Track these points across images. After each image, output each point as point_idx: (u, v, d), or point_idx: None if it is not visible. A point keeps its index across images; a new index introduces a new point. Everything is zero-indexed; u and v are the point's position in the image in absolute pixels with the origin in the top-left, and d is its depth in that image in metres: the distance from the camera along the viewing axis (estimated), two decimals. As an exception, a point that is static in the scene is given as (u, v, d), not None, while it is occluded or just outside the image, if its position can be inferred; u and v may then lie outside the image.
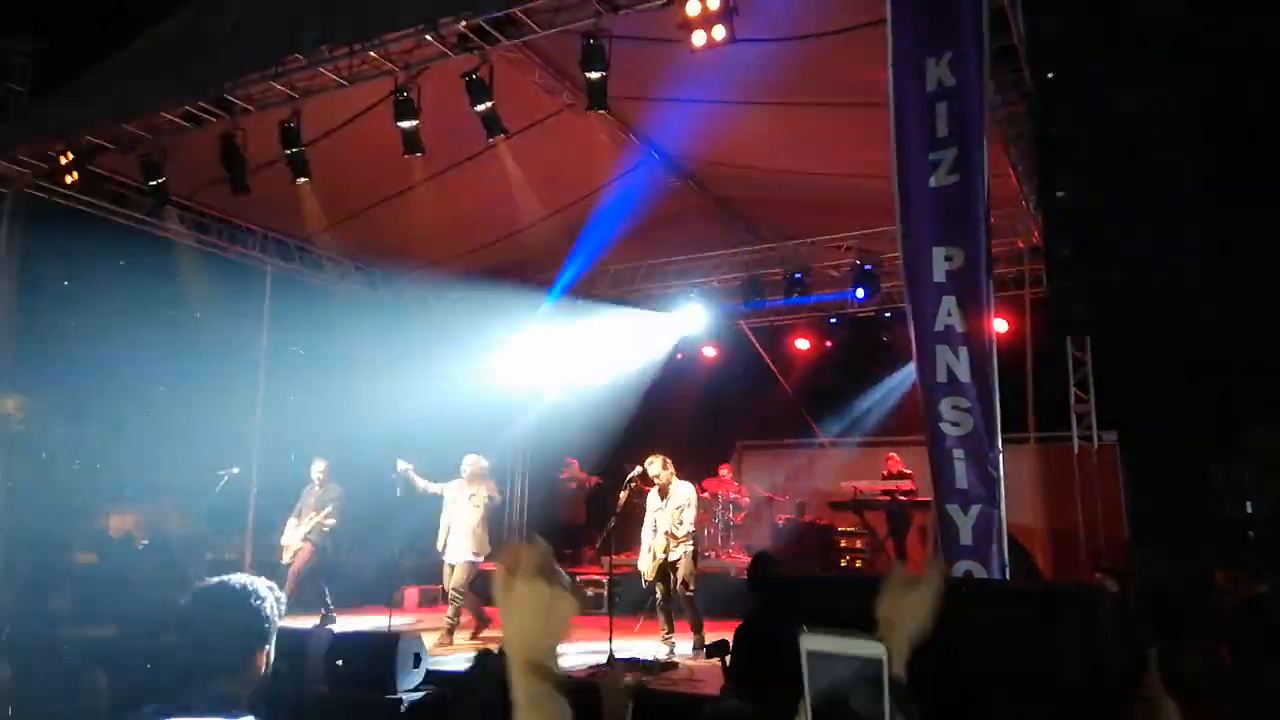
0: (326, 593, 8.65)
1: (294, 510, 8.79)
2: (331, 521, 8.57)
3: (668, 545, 7.64)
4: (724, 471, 12.07)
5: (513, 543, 1.14)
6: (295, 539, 8.50)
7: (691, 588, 7.65)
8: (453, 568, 8.29)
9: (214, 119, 8.00)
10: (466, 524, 8.31)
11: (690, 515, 7.74)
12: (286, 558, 8.50)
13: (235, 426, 11.16)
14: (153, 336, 12.98)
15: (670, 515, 7.67)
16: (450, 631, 8.11)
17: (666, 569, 7.70)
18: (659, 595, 7.80)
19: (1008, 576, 4.96)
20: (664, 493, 7.76)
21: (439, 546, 8.44)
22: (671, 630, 7.66)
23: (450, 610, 8.19)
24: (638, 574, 10.31)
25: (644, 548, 7.87)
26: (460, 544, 8.28)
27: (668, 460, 7.85)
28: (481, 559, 8.34)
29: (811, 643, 1.09)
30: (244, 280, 11.01)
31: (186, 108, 7.98)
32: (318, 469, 8.77)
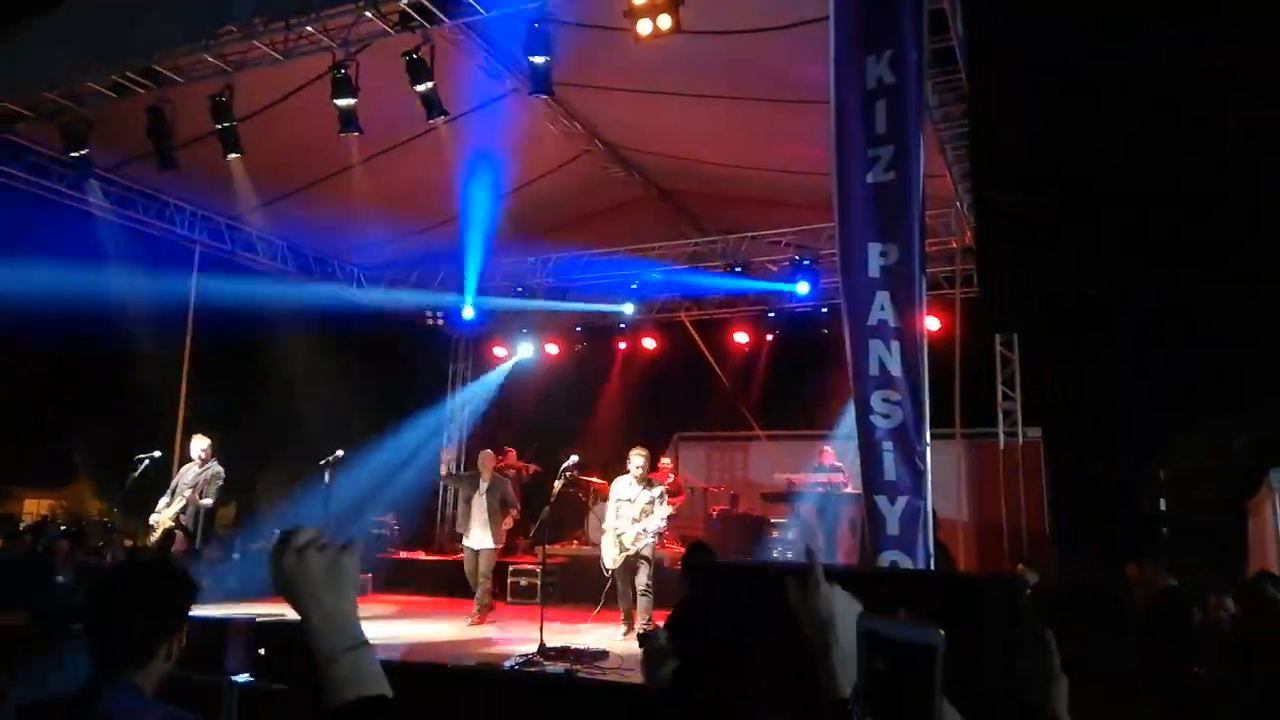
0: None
1: (169, 488, 8.47)
2: (207, 502, 8.29)
3: (636, 536, 7.74)
4: (664, 462, 12.10)
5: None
6: (165, 518, 8.21)
7: (649, 582, 7.72)
8: (475, 554, 8.75)
9: (141, 90, 7.72)
10: (483, 515, 8.73)
11: (663, 511, 7.90)
12: (154, 537, 8.21)
13: (158, 409, 10.82)
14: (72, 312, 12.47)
15: (641, 508, 7.80)
16: (481, 610, 8.64)
17: (631, 560, 7.78)
18: (621, 585, 7.85)
19: (933, 567, 5.07)
20: (643, 484, 7.94)
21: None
22: (630, 619, 7.72)
23: (479, 593, 8.69)
24: (573, 563, 10.32)
25: (608, 536, 7.94)
26: (481, 533, 8.73)
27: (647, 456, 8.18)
28: (499, 547, 8.88)
29: (868, 624, 1.08)
30: (171, 258, 10.64)
31: (112, 77, 7.69)
32: (199, 446, 8.46)
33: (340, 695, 1.09)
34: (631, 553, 7.75)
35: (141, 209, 10.18)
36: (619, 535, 7.82)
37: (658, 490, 7.97)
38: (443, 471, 9.45)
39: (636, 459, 8.00)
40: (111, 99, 7.86)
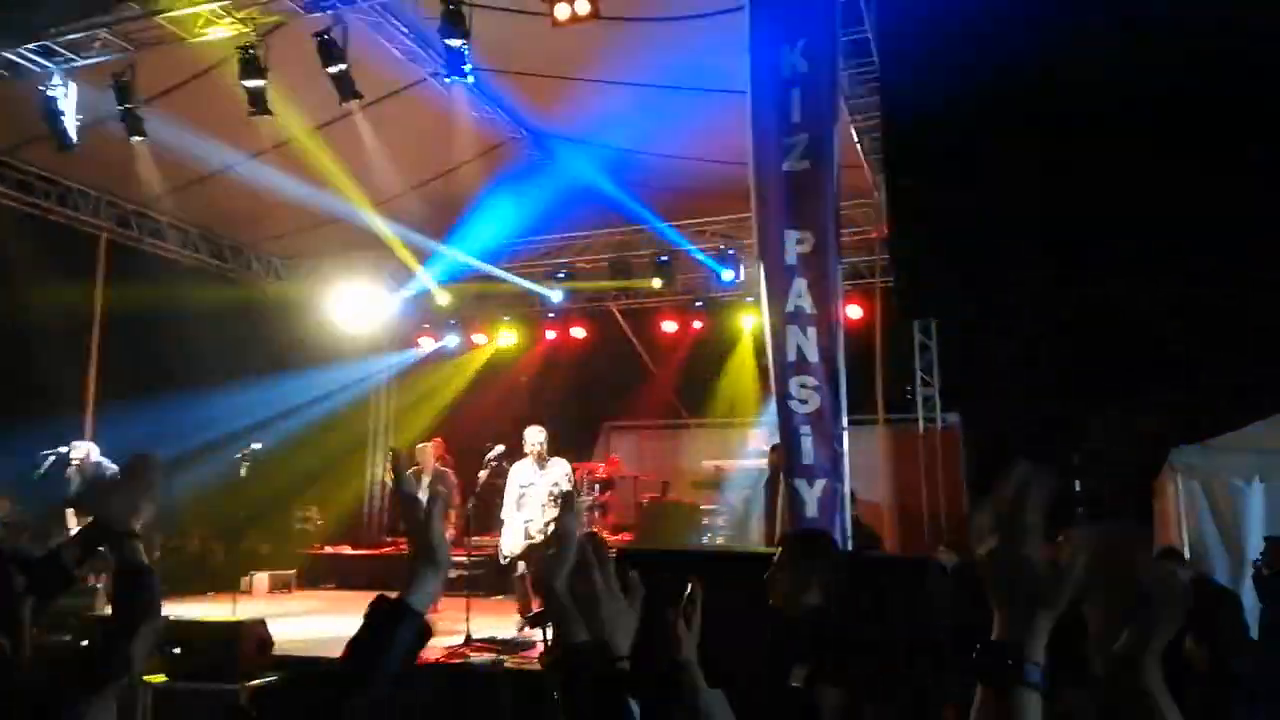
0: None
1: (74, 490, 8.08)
2: None
3: (547, 524, 7.13)
4: (602, 458, 12.00)
5: None
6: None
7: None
8: None
9: (36, 68, 7.36)
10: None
11: (565, 483, 7.45)
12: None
13: (65, 405, 10.36)
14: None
15: (546, 491, 7.32)
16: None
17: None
18: (520, 572, 7.56)
19: (849, 547, 5.18)
20: (541, 463, 7.47)
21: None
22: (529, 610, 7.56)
23: None
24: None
25: (510, 525, 7.45)
26: None
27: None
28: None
29: None
30: (74, 246, 10.17)
31: (5, 54, 7.32)
32: (79, 452, 8.05)
33: None
34: (538, 539, 7.22)
35: (42, 194, 9.72)
36: (527, 523, 7.34)
37: (561, 469, 7.51)
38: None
39: (535, 436, 7.47)
40: (4, 78, 7.49)
